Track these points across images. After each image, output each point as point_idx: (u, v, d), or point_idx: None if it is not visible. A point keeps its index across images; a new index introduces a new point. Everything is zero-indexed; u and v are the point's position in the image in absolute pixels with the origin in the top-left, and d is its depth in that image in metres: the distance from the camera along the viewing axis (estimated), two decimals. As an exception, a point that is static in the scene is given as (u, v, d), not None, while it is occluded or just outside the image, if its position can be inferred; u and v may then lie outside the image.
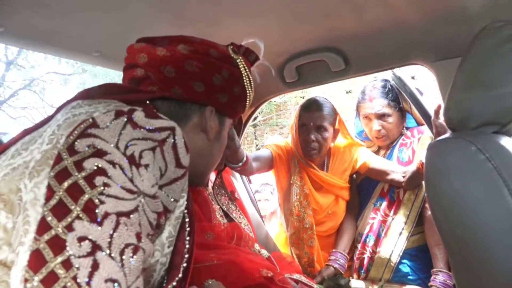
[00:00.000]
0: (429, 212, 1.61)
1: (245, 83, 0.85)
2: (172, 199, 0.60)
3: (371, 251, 1.73)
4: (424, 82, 1.79)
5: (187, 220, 0.67)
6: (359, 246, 1.78)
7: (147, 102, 0.73)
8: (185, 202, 0.65)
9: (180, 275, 0.65)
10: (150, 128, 0.58)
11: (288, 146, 1.85)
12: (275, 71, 1.57)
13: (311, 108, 1.70)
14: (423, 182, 1.61)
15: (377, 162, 1.74)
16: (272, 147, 1.83)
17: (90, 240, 0.47)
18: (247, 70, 0.85)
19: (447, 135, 0.91)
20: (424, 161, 1.46)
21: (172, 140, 0.60)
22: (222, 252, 1.09)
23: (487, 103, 0.82)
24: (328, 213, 1.79)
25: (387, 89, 1.73)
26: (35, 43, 1.19)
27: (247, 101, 0.88)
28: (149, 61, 0.76)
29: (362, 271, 1.75)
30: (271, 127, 8.79)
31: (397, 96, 1.72)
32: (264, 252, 1.33)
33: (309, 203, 1.76)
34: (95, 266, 0.45)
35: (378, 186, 1.80)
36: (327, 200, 1.78)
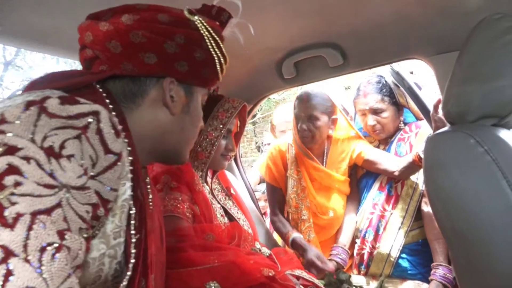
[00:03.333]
0: (427, 207, 1.62)
1: (210, 46, 0.76)
2: (109, 188, 0.56)
3: (370, 246, 1.73)
4: (422, 76, 1.79)
5: (132, 212, 0.62)
6: (359, 241, 1.79)
7: (97, 85, 0.68)
8: (130, 192, 0.61)
9: (128, 273, 0.61)
10: (69, 115, 0.53)
11: (280, 149, 1.94)
12: (273, 67, 1.57)
13: (302, 98, 1.77)
14: (422, 175, 1.62)
15: (372, 153, 1.77)
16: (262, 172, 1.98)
17: (1, 246, 0.42)
18: (210, 31, 0.76)
19: (445, 128, 0.91)
20: (420, 153, 1.48)
21: (96, 126, 0.55)
22: (223, 253, 1.09)
23: (485, 96, 0.82)
24: (330, 217, 1.81)
25: (381, 85, 1.74)
26: (33, 42, 1.18)
27: (217, 66, 0.79)
28: (94, 39, 0.70)
29: (363, 266, 1.75)
30: (270, 125, 8.77)
31: (392, 91, 1.74)
32: (265, 250, 1.33)
33: (307, 195, 1.80)
34: (8, 275, 0.41)
35: (376, 180, 1.81)
36: (326, 199, 1.82)
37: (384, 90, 1.73)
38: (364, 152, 1.78)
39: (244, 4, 1.09)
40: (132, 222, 0.62)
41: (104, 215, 0.56)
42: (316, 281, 1.32)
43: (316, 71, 1.55)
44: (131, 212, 0.62)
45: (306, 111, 1.73)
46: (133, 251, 0.62)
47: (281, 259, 1.33)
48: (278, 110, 2.99)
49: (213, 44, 0.77)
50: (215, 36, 0.77)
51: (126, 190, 0.60)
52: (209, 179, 1.36)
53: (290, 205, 1.85)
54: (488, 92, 0.82)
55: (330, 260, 1.70)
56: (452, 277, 1.48)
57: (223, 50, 0.80)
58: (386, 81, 1.74)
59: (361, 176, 1.90)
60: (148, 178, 0.83)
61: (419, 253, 1.67)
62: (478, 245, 0.77)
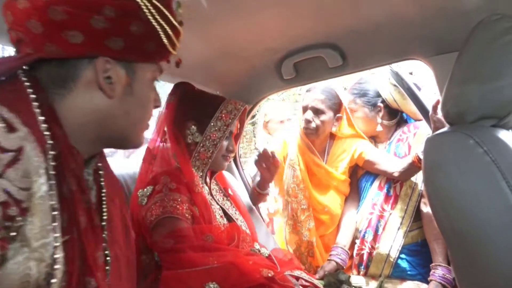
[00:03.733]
0: (426, 207, 1.62)
1: (150, 16, 0.66)
2: (17, 188, 0.52)
3: (370, 246, 1.73)
4: (422, 78, 1.80)
5: (55, 213, 0.56)
6: (358, 242, 1.79)
7: (23, 72, 0.62)
8: (46, 189, 0.55)
9: (53, 280, 0.56)
10: None
11: (284, 141, 1.96)
12: (273, 67, 1.57)
13: (311, 90, 1.79)
14: (421, 176, 1.62)
15: (372, 154, 1.79)
16: None
17: None
18: None
19: (445, 129, 0.91)
20: (419, 154, 1.48)
21: None
22: (222, 254, 1.09)
23: (484, 96, 0.82)
24: (325, 210, 1.83)
25: (360, 87, 1.82)
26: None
27: (163, 38, 0.69)
28: (14, 18, 0.62)
29: (362, 267, 1.75)
30: (269, 125, 8.77)
31: (372, 94, 1.79)
32: (264, 251, 1.33)
33: (306, 186, 1.82)
34: None
35: (375, 180, 1.81)
36: (322, 196, 1.84)
37: (361, 91, 1.81)
38: (365, 152, 1.79)
39: (243, 5, 1.09)
40: (55, 224, 0.56)
41: (19, 215, 0.52)
42: (316, 281, 1.32)
43: (315, 72, 1.55)
44: (53, 213, 0.56)
45: (313, 103, 1.75)
46: (58, 255, 0.56)
47: (280, 259, 1.34)
48: (268, 107, 3.00)
49: (155, 14, 0.66)
50: (158, 4, 0.67)
51: (40, 187, 0.55)
52: (207, 180, 1.36)
53: (290, 194, 1.86)
54: (487, 93, 0.82)
55: (330, 260, 1.71)
56: (451, 277, 1.48)
57: (171, 18, 0.69)
58: (373, 85, 1.80)
59: (361, 176, 1.90)
60: (101, 170, 0.77)
61: (418, 254, 1.67)
62: (477, 245, 0.77)
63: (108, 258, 0.69)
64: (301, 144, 1.86)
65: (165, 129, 1.30)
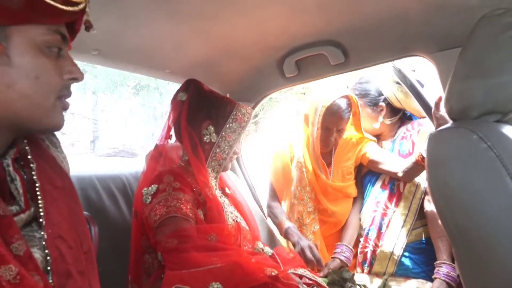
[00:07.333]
0: (430, 205, 1.62)
1: None
2: None
3: (373, 244, 1.73)
4: (425, 75, 1.79)
5: None
6: (362, 240, 1.79)
7: None
8: None
9: None
10: None
11: (290, 145, 1.92)
12: (275, 65, 1.57)
13: (336, 114, 1.70)
14: (425, 173, 1.61)
15: (376, 153, 1.78)
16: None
17: None
18: None
19: (448, 125, 0.90)
20: (423, 153, 1.48)
21: None
22: (225, 253, 1.09)
23: (488, 92, 0.82)
24: (331, 215, 1.82)
25: (362, 87, 1.84)
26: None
27: None
28: None
29: (366, 265, 1.75)
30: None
31: (374, 94, 1.79)
32: (268, 250, 1.33)
33: (312, 189, 1.81)
34: None
35: (379, 178, 1.81)
36: (330, 201, 1.82)
37: (362, 91, 1.82)
38: (369, 153, 1.79)
39: (243, 3, 1.09)
40: None
41: None
42: (319, 279, 1.31)
43: (317, 69, 1.55)
44: None
45: (338, 126, 1.72)
46: None
47: (283, 258, 1.33)
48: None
49: None
50: None
51: None
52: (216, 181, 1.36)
53: (296, 197, 1.85)
54: (491, 88, 0.81)
55: (334, 258, 1.70)
56: (455, 275, 1.48)
57: None
58: (373, 84, 1.81)
59: (364, 174, 1.91)
60: (32, 163, 0.67)
61: (423, 252, 1.66)
62: (481, 242, 0.77)
63: (48, 258, 0.61)
64: (310, 157, 1.82)
65: (172, 126, 1.30)
